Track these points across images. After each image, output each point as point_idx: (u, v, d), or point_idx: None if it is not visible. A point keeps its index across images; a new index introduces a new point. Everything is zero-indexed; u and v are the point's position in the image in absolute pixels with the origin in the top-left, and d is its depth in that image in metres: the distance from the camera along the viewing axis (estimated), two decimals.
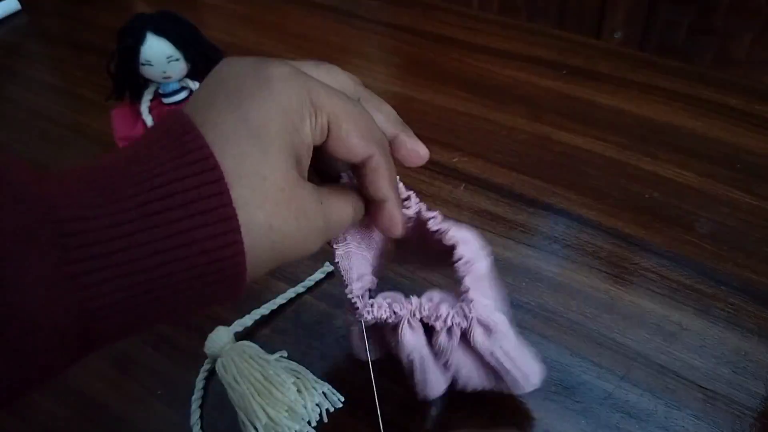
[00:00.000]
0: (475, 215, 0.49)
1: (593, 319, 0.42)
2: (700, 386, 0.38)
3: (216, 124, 0.25)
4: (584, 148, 0.54)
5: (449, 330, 0.33)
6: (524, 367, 0.36)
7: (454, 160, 0.54)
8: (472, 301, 0.33)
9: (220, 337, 0.39)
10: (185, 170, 0.23)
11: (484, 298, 0.34)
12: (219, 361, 0.38)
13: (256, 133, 0.25)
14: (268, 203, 0.25)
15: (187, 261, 0.23)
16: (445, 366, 0.35)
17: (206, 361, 0.40)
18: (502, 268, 0.44)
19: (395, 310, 0.33)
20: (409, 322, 0.33)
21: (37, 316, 0.21)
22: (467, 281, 0.34)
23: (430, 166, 0.53)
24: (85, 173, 0.23)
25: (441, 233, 0.34)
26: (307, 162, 0.27)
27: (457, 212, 0.49)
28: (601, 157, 0.53)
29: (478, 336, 0.34)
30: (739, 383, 0.38)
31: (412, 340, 0.33)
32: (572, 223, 0.48)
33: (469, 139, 0.55)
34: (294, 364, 0.37)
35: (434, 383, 0.35)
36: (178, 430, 0.38)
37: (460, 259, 0.34)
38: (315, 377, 0.37)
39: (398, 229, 0.32)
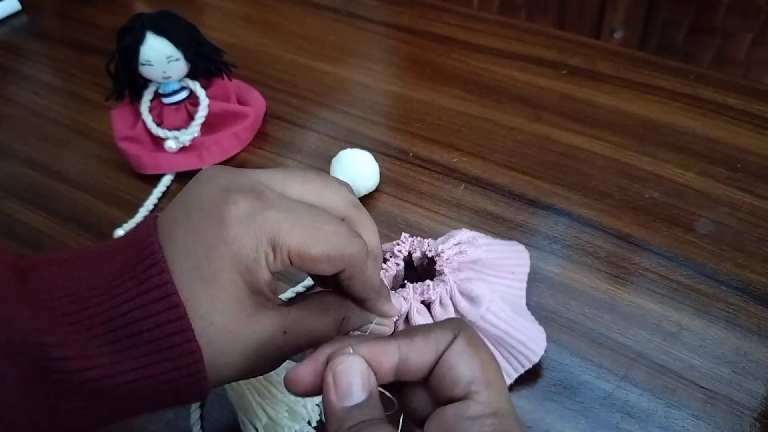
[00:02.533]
0: (475, 215, 0.49)
1: (593, 319, 0.42)
2: (700, 386, 0.38)
3: (177, 267, 0.26)
4: (584, 148, 0.54)
5: (441, 302, 0.37)
6: (524, 330, 0.37)
7: (454, 160, 0.54)
8: (446, 275, 0.38)
9: None
10: (149, 308, 0.26)
11: (461, 273, 0.38)
12: None
13: (207, 280, 0.26)
14: (213, 345, 0.26)
15: (152, 387, 0.26)
16: None
17: None
18: None
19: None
20: (416, 310, 0.37)
21: (15, 423, 0.24)
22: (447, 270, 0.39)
23: (430, 165, 0.53)
24: (65, 300, 0.26)
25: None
26: (269, 289, 0.28)
27: (457, 212, 0.49)
28: (601, 157, 0.53)
29: (462, 303, 0.37)
30: (739, 383, 0.38)
31: (421, 322, 0.37)
32: (572, 223, 0.48)
33: (469, 139, 0.55)
34: (294, 364, 0.37)
35: None
36: (178, 430, 0.38)
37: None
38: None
39: (391, 315, 0.33)
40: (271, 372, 0.35)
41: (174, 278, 0.26)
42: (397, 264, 0.40)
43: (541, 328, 0.39)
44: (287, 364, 0.37)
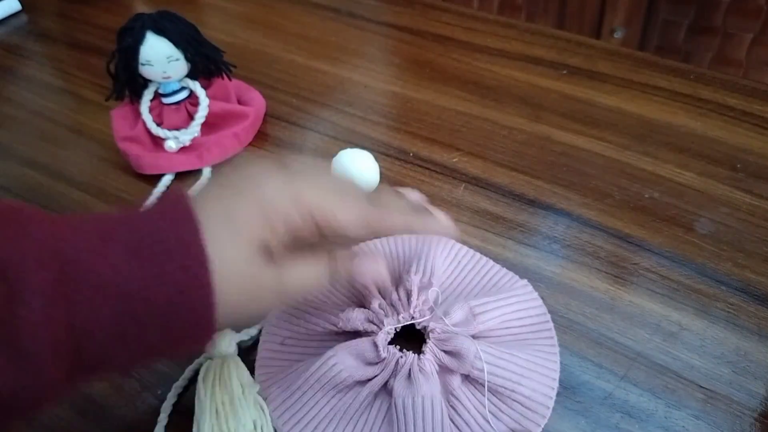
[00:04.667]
0: (475, 215, 0.49)
1: (593, 319, 0.42)
2: (700, 386, 0.38)
3: (206, 208, 0.30)
4: (584, 148, 0.54)
5: (421, 370, 0.37)
6: (525, 378, 0.36)
7: (454, 160, 0.54)
8: (431, 331, 0.38)
9: (222, 342, 0.39)
10: (170, 222, 0.28)
11: (445, 321, 0.38)
12: (204, 365, 0.38)
13: (232, 223, 0.30)
14: (226, 279, 0.29)
15: (165, 294, 0.27)
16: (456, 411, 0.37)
17: (204, 361, 0.40)
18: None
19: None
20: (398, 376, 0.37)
21: (38, 327, 0.25)
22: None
23: (430, 165, 0.53)
24: (90, 222, 0.29)
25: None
26: (278, 249, 0.32)
27: (457, 212, 0.49)
28: (601, 157, 0.53)
29: (447, 360, 0.37)
30: (739, 383, 0.38)
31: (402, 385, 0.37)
32: (572, 223, 0.48)
33: (469, 139, 0.55)
34: (263, 401, 0.37)
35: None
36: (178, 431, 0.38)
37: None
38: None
39: (443, 227, 0.37)
40: (237, 401, 0.36)
41: (201, 218, 0.29)
42: (388, 333, 0.38)
43: (554, 378, 0.38)
44: (257, 399, 0.37)
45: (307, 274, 0.33)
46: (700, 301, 0.42)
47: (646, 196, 0.49)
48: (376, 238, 0.34)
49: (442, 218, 0.37)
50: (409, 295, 0.39)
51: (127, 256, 0.27)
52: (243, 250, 0.30)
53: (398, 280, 0.41)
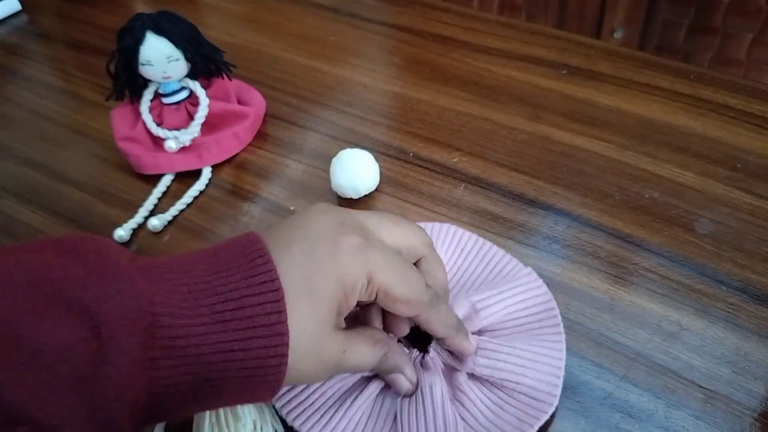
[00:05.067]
0: (475, 215, 0.49)
1: (593, 319, 0.42)
2: (700, 386, 0.38)
3: (287, 273, 0.30)
4: (584, 148, 0.54)
5: (422, 365, 0.38)
6: (529, 374, 0.36)
7: (454, 160, 0.54)
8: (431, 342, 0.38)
9: None
10: (255, 289, 0.29)
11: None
12: None
13: (312, 293, 0.30)
14: (300, 348, 0.30)
15: (242, 362, 0.29)
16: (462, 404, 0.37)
17: None
18: None
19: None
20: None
21: (122, 388, 0.26)
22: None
23: (430, 165, 0.53)
24: (178, 276, 0.29)
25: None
26: (347, 312, 0.33)
27: (457, 212, 0.49)
28: (601, 157, 0.53)
29: (450, 360, 0.38)
30: (739, 383, 0.38)
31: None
32: (572, 223, 0.48)
33: (469, 139, 0.55)
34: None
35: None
36: (178, 430, 0.38)
37: None
38: (274, 417, 0.37)
39: (467, 352, 0.37)
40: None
41: (283, 284, 0.30)
42: None
43: (559, 366, 0.38)
44: None
45: (365, 357, 0.34)
46: (700, 301, 0.42)
47: (646, 196, 0.49)
48: (424, 322, 0.35)
49: (473, 344, 0.37)
50: None
51: (213, 322, 0.28)
52: (320, 323, 0.31)
53: None
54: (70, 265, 0.27)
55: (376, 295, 0.33)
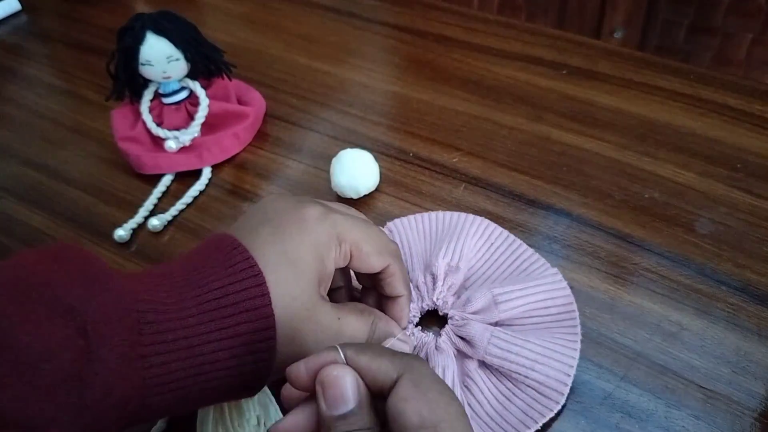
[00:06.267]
0: (475, 215, 0.49)
1: (593, 319, 0.42)
2: (700, 386, 0.38)
3: (262, 253, 0.31)
4: (584, 148, 0.54)
5: (437, 347, 0.39)
6: (538, 363, 0.37)
7: (454, 160, 0.54)
8: (451, 317, 0.40)
9: None
10: (235, 276, 0.30)
11: (465, 308, 0.39)
12: None
13: (293, 262, 0.31)
14: (295, 319, 0.31)
15: (232, 349, 0.29)
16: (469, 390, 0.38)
17: None
18: None
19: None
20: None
21: (111, 386, 0.26)
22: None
23: (430, 165, 0.53)
24: (158, 277, 0.30)
25: None
26: (328, 285, 0.34)
27: (457, 212, 0.49)
28: (601, 157, 0.53)
29: (461, 345, 0.38)
30: (738, 383, 0.38)
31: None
32: (572, 223, 0.48)
33: (469, 139, 0.55)
34: (267, 395, 0.37)
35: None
36: (182, 427, 0.38)
37: None
38: (278, 412, 0.37)
39: (405, 322, 0.38)
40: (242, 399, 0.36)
41: (259, 263, 0.30)
42: (413, 316, 0.41)
43: (568, 366, 0.37)
44: (259, 396, 0.37)
45: (358, 325, 0.34)
46: (700, 301, 0.42)
47: (646, 196, 0.49)
48: (391, 274, 0.36)
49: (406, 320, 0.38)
50: (435, 280, 0.41)
51: (200, 313, 0.29)
52: (307, 290, 0.31)
53: (427, 262, 0.43)
54: (52, 269, 0.27)
55: (351, 256, 0.34)
